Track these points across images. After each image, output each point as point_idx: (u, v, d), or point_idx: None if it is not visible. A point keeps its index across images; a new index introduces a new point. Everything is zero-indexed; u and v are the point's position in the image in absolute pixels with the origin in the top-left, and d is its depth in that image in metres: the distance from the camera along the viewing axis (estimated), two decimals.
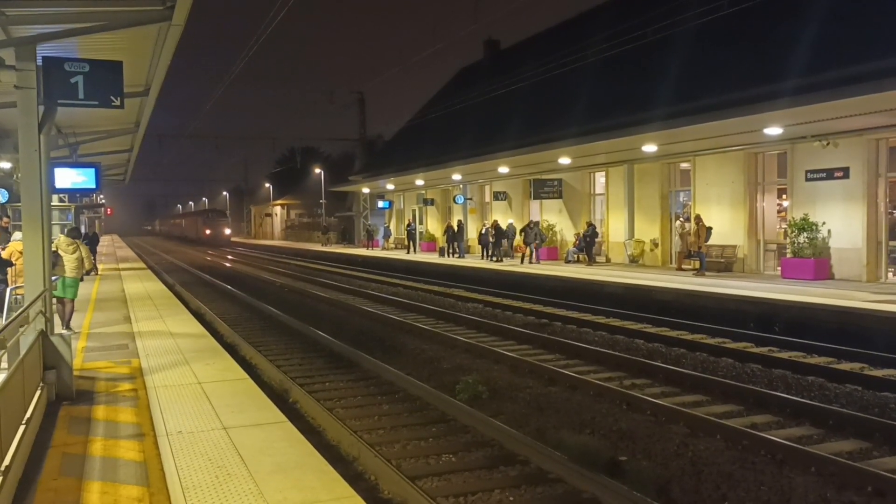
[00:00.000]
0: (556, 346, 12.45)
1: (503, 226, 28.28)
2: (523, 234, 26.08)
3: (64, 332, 10.78)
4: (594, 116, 21.76)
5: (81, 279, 12.07)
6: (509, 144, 25.14)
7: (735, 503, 5.99)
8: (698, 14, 19.65)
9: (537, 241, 26.32)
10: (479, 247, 30.00)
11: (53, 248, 11.43)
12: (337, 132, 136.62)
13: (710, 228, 19.33)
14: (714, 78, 18.52)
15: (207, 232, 68.31)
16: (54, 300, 10.94)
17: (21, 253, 10.90)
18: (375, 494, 6.20)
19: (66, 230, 13.32)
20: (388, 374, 10.42)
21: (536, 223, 27.59)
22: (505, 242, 28.00)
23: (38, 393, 6.72)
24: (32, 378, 6.47)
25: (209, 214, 73.93)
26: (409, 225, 37.49)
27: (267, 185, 79.82)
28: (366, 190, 44.92)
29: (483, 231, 29.35)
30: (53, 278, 10.38)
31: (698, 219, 19.47)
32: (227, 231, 69.51)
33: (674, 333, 13.43)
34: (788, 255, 18.12)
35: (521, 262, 25.47)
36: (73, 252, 11.50)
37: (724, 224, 20.15)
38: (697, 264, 19.91)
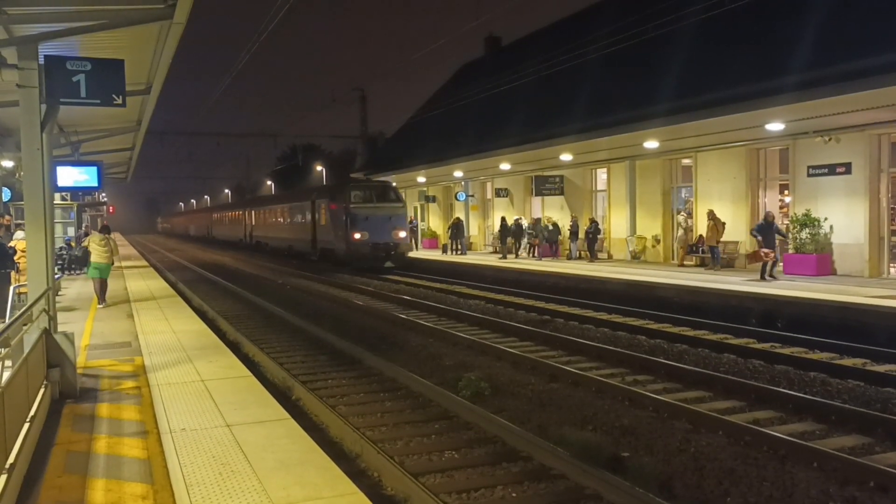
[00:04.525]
0: (558, 342, 12.45)
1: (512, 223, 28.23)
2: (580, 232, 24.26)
3: (100, 306, 14.60)
4: (596, 113, 21.71)
5: (112, 263, 15.52)
6: (511, 141, 25.09)
7: (738, 499, 6.00)
8: (700, 10, 19.59)
9: (539, 239, 26.33)
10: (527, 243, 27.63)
11: (85, 244, 15.52)
12: (338, 129, 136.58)
13: (724, 223, 19.34)
14: (716, 74, 18.46)
15: (357, 236, 28.45)
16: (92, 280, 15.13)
17: (24, 251, 11.00)
18: (378, 491, 6.21)
19: (99, 228, 16.84)
20: (390, 371, 10.43)
21: (538, 220, 27.61)
22: (509, 239, 27.97)
23: (41, 391, 6.75)
24: (36, 376, 6.49)
25: (353, 193, 29.67)
26: (410, 222, 37.52)
27: (269, 182, 79.79)
28: None
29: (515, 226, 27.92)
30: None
31: (712, 214, 19.43)
32: (403, 234, 29.57)
33: (676, 330, 13.43)
34: (790, 251, 18.11)
35: (763, 275, 16.79)
36: (105, 246, 14.82)
37: (726, 220, 20.09)
38: (699, 260, 19.89)
